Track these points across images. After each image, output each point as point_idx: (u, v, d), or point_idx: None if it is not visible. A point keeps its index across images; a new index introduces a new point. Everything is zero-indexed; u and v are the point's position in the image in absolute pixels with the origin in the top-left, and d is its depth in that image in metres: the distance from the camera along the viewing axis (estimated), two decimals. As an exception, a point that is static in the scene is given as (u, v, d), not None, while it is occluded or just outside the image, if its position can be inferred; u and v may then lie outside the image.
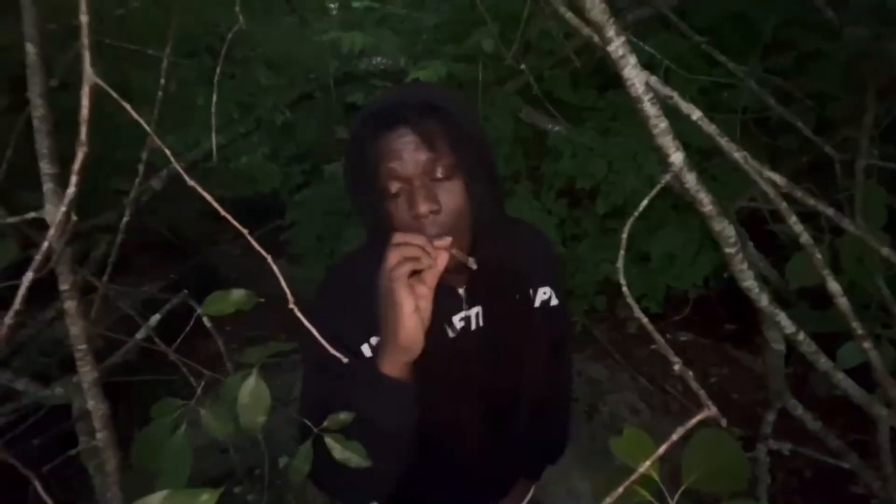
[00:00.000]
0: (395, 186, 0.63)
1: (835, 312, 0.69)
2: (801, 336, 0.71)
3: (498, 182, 0.72)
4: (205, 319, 1.28)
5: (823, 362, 0.73)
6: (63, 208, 0.44)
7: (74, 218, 0.35)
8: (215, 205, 0.29)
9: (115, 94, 0.23)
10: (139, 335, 0.99)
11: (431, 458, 0.71)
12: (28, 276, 0.30)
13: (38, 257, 0.30)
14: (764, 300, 0.69)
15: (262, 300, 0.50)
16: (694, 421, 0.31)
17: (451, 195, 0.64)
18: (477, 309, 0.74)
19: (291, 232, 3.04)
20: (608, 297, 2.51)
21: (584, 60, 2.04)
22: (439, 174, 0.63)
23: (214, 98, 0.52)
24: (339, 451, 0.49)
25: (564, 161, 2.08)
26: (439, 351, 0.67)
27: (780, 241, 1.85)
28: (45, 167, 0.43)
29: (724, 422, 0.32)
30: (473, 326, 0.75)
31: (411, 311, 0.58)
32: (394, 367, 0.61)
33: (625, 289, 0.49)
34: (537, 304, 0.81)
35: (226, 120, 2.54)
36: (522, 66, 0.78)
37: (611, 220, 2.31)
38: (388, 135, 0.62)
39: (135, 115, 0.27)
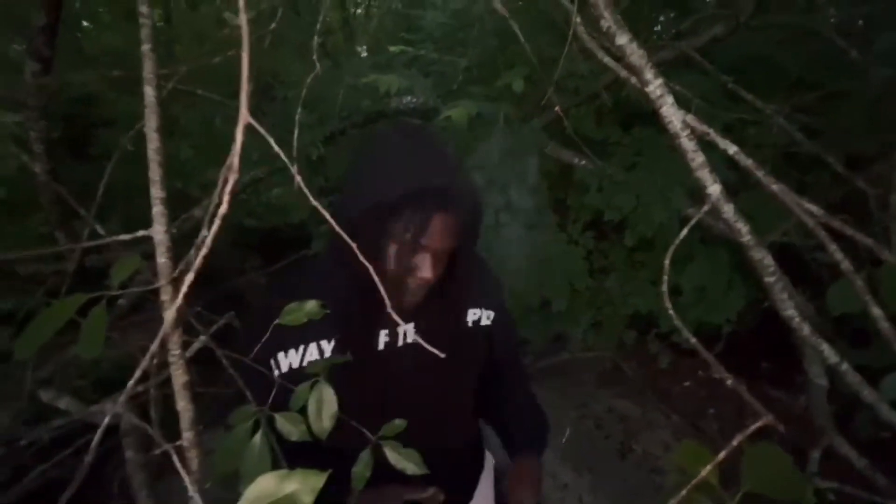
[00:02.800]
0: (413, 245, 0.70)
1: (875, 348, 0.69)
2: (845, 366, 0.71)
3: (478, 238, 0.80)
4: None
5: (868, 394, 0.72)
6: (163, 227, 0.50)
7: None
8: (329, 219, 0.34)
9: (262, 130, 0.28)
10: (193, 349, 1.04)
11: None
12: (191, 271, 0.35)
13: (200, 252, 0.35)
14: (806, 329, 0.70)
15: (328, 311, 0.55)
16: (753, 428, 0.33)
17: (444, 260, 0.74)
18: (408, 325, 0.80)
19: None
20: (637, 331, 2.48)
21: (609, 98, 2.11)
22: (447, 248, 0.72)
23: (296, 134, 0.58)
24: (395, 458, 0.52)
25: (591, 194, 2.12)
26: (367, 361, 0.75)
27: (813, 276, 1.82)
28: (156, 192, 0.49)
29: (781, 427, 0.34)
30: (401, 342, 0.80)
31: None
32: None
33: (670, 311, 0.51)
34: (469, 324, 0.87)
35: (265, 154, 2.70)
36: (556, 108, 0.84)
37: (639, 254, 2.31)
38: (440, 214, 0.69)
39: (278, 150, 0.33)
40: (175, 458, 0.41)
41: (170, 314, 0.48)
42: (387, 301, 0.46)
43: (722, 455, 0.33)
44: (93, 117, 2.90)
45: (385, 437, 0.56)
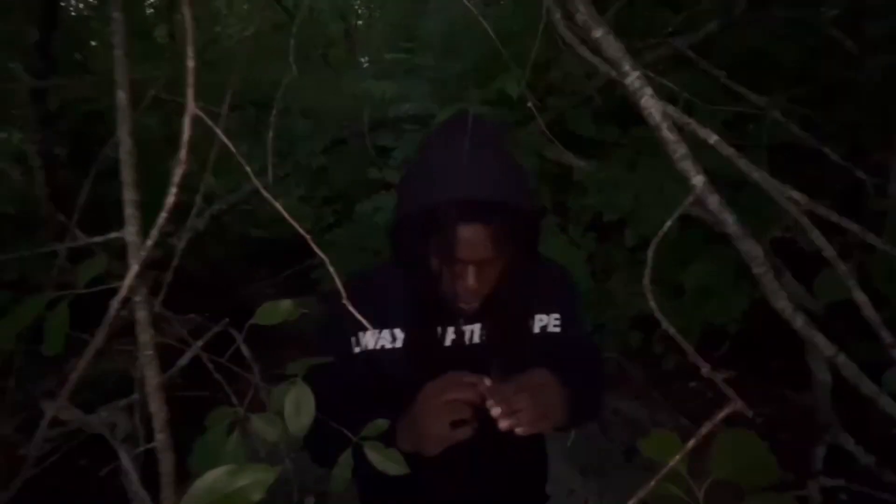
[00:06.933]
0: (451, 257, 0.69)
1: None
2: (842, 358, 0.69)
3: (538, 242, 0.79)
4: (243, 347, 1.34)
5: (867, 386, 0.70)
6: (135, 228, 0.50)
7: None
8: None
9: (210, 122, 0.29)
10: (185, 358, 1.04)
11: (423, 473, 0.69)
12: (132, 272, 0.35)
13: (147, 243, 0.35)
14: (799, 321, 0.68)
15: (305, 311, 0.55)
16: (721, 415, 0.32)
17: (493, 271, 0.73)
18: (475, 326, 0.81)
19: (321, 270, 3.13)
20: (643, 332, 2.45)
21: (605, 99, 2.11)
22: (490, 259, 0.70)
23: (270, 139, 0.59)
24: (378, 460, 0.51)
25: (591, 195, 2.11)
26: (433, 354, 0.77)
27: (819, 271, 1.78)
28: (129, 194, 0.49)
29: (750, 413, 0.33)
30: (468, 342, 0.80)
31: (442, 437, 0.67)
32: (404, 446, 0.67)
33: (652, 303, 0.50)
34: (536, 329, 0.85)
35: (265, 165, 2.73)
36: (529, 103, 0.80)
37: (640, 253, 2.29)
38: (465, 226, 0.67)
39: (230, 146, 0.33)
40: (126, 463, 0.40)
41: (142, 315, 0.48)
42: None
43: (691, 444, 0.32)
44: (102, 133, 2.96)
45: (367, 437, 0.55)
